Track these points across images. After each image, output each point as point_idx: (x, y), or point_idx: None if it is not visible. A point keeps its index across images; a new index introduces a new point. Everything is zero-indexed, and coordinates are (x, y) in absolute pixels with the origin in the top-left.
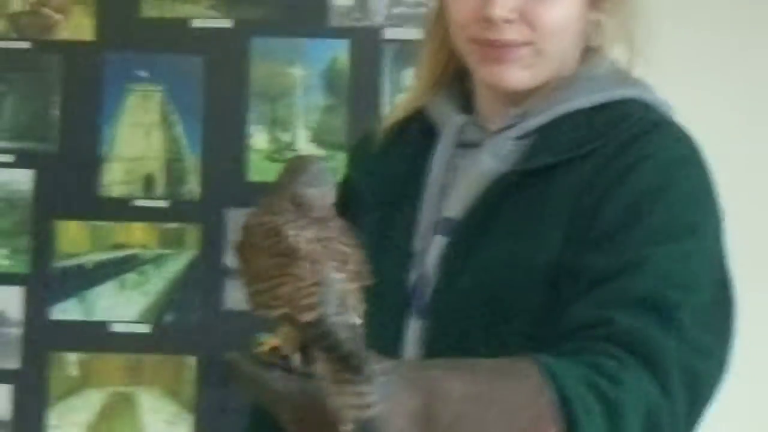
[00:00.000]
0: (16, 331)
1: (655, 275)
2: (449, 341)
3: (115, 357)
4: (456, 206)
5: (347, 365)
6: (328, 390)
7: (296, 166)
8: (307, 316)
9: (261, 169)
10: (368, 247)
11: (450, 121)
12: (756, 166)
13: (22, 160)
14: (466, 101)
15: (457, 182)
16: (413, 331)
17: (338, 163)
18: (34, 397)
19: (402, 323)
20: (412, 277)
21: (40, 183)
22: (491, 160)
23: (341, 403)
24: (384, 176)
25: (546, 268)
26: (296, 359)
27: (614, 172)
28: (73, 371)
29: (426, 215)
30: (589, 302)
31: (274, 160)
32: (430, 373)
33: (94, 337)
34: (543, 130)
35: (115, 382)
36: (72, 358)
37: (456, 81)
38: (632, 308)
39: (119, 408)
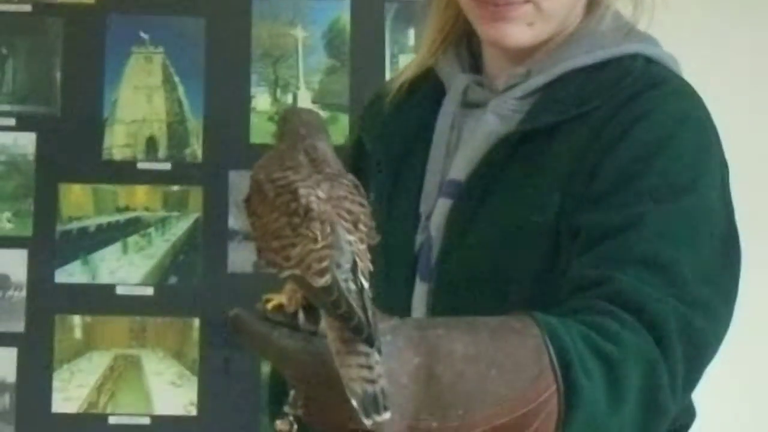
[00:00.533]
0: (20, 294)
1: (654, 233)
2: (454, 304)
3: (119, 319)
4: (460, 168)
5: (357, 334)
6: (337, 360)
7: (300, 119)
8: (319, 281)
9: (263, 131)
10: (377, 210)
11: (455, 80)
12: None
13: (25, 123)
14: (474, 61)
15: (462, 143)
16: (419, 294)
17: (341, 123)
18: (38, 360)
19: (409, 286)
20: (419, 240)
21: (42, 146)
22: (495, 121)
23: (349, 375)
24: (393, 136)
25: (544, 229)
26: (302, 318)
27: (613, 130)
28: (78, 334)
29: (430, 177)
30: (588, 261)
31: (276, 122)
32: (434, 333)
33: (98, 299)
34: (546, 89)
35: (120, 345)
36: (76, 320)
37: (464, 40)
38: (631, 266)
39: (124, 370)
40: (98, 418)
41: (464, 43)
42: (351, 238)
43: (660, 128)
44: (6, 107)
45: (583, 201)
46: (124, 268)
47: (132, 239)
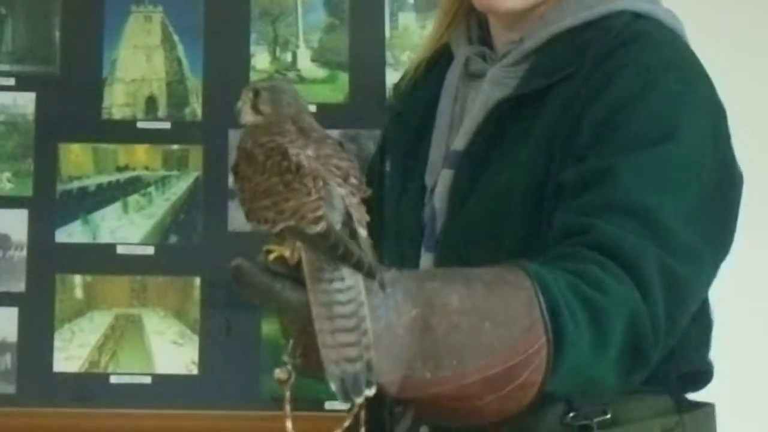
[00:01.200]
0: (20, 254)
1: (633, 180)
2: None
3: (120, 279)
4: (461, 138)
5: (358, 269)
6: (320, 339)
7: (278, 88)
8: (316, 228)
9: None
10: (392, 186)
11: (458, 52)
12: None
13: (24, 83)
14: (483, 34)
15: (465, 114)
16: (425, 265)
17: (340, 81)
18: (39, 320)
19: (417, 258)
20: (427, 212)
21: (42, 106)
22: (491, 89)
23: (329, 357)
24: (408, 113)
25: (530, 191)
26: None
27: (593, 86)
28: (78, 293)
29: (435, 150)
30: (570, 211)
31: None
32: (430, 285)
33: (98, 259)
34: (536, 54)
35: (121, 304)
36: (77, 280)
37: (473, 13)
38: (612, 214)
39: (125, 329)
40: (99, 377)
41: (474, 15)
42: (342, 191)
43: (639, 77)
44: (5, 67)
45: (567, 158)
46: (125, 227)
47: (132, 198)
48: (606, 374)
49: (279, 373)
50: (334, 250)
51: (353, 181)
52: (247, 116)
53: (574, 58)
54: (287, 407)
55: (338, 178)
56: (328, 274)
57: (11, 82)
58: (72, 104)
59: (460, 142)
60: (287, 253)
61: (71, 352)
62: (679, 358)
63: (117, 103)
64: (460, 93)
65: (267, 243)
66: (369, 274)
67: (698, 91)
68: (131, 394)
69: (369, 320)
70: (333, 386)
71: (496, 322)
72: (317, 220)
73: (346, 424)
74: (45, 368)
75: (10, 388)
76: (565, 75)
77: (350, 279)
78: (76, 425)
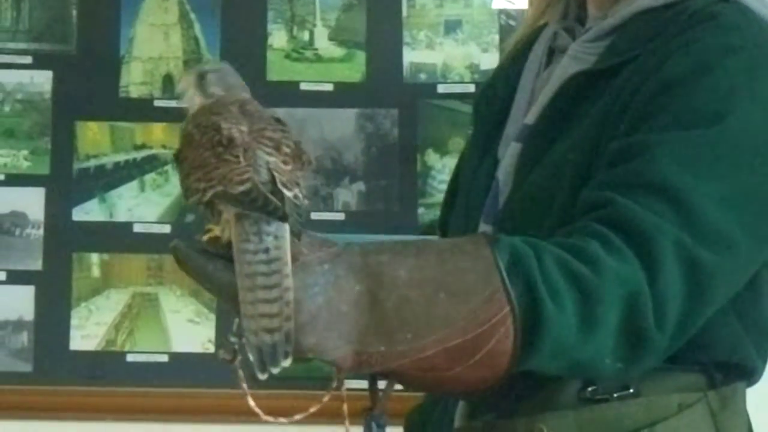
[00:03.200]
0: (37, 233)
1: (669, 158)
2: None
3: (137, 257)
4: (534, 112)
5: (272, 214)
6: (242, 309)
7: (226, 70)
8: (240, 188)
9: (280, 68)
10: (470, 160)
11: (547, 28)
12: None
13: (41, 61)
14: (582, 10)
15: (544, 89)
16: None
17: (357, 60)
18: (56, 298)
19: (476, 231)
20: (493, 185)
21: (59, 84)
22: (569, 63)
23: (250, 327)
24: (498, 87)
25: (578, 166)
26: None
27: (652, 64)
28: (95, 272)
29: (512, 123)
30: (596, 184)
31: (293, 59)
32: (377, 259)
33: (115, 237)
34: (617, 31)
35: (137, 282)
36: (94, 258)
37: None
38: (637, 190)
39: (141, 308)
40: (116, 355)
41: None
42: (271, 159)
43: (693, 59)
44: (22, 45)
45: (615, 133)
46: (142, 205)
47: (149, 177)
48: (598, 357)
49: (223, 354)
50: (253, 203)
51: (285, 149)
52: (195, 99)
53: (649, 37)
54: (244, 385)
55: (269, 148)
56: (253, 245)
57: (28, 60)
58: (89, 82)
59: (532, 116)
60: (218, 233)
61: (88, 330)
62: (716, 347)
63: (134, 81)
64: (543, 68)
65: (207, 223)
66: (282, 218)
67: (758, 83)
68: (148, 373)
69: (292, 291)
70: (251, 356)
71: (451, 293)
72: (242, 182)
73: (325, 399)
74: (62, 346)
75: (27, 366)
76: (636, 54)
77: (276, 251)
78: (93, 403)
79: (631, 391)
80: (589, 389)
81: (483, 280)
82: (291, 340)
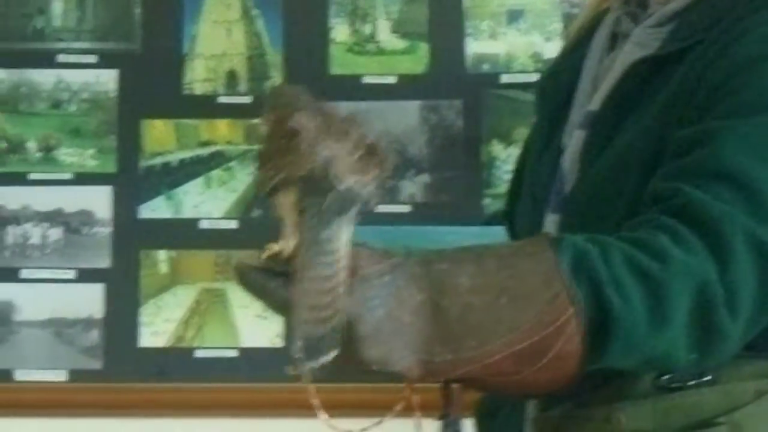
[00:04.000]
0: (105, 231)
1: (736, 147)
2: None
3: (204, 253)
4: (597, 99)
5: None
6: (295, 295)
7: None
8: (304, 170)
9: (343, 62)
10: (534, 148)
11: (610, 13)
12: None
13: (106, 60)
14: None
15: (607, 75)
16: (549, 226)
17: (420, 52)
18: (125, 296)
19: (542, 220)
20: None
21: (124, 82)
22: (632, 49)
23: (301, 317)
24: (561, 74)
25: (644, 155)
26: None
27: (716, 50)
28: (163, 268)
29: (575, 110)
30: (663, 175)
31: (355, 53)
32: (437, 267)
33: (182, 234)
34: (680, 16)
35: (205, 278)
36: (161, 255)
37: None
38: (704, 179)
39: (209, 304)
40: (185, 351)
41: None
42: (340, 146)
43: (757, 46)
44: (87, 45)
45: (681, 122)
46: (208, 202)
47: (215, 173)
48: (672, 350)
49: (291, 370)
50: (313, 186)
51: (353, 137)
52: None
53: (712, 22)
54: (315, 401)
55: (336, 137)
56: (318, 233)
57: (93, 59)
58: (154, 80)
59: (595, 103)
60: (276, 248)
61: (157, 327)
62: None
63: (198, 78)
64: (606, 54)
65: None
66: (341, 209)
67: None
68: (217, 369)
69: (345, 286)
70: (297, 347)
71: (514, 297)
72: (310, 163)
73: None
74: (131, 344)
75: (96, 364)
76: (700, 39)
77: (336, 242)
78: (162, 400)
79: (708, 378)
80: (665, 377)
81: (545, 282)
82: (337, 334)
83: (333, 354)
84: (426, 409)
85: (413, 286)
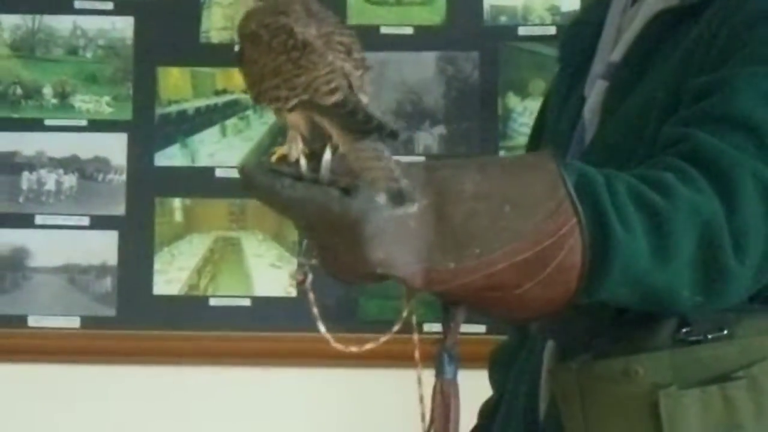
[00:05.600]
0: (120, 178)
1: (748, 93)
2: None
3: (219, 202)
4: (619, 49)
5: (380, 131)
6: (357, 165)
7: None
8: (331, 99)
9: (360, 12)
10: (556, 99)
11: None
12: None
13: (122, 7)
14: None
15: (630, 26)
16: None
17: (438, 3)
18: (139, 243)
19: None
20: (579, 123)
21: (140, 30)
22: (656, 2)
23: (372, 175)
24: (584, 26)
25: (663, 105)
26: (303, 164)
27: (736, 1)
28: (178, 216)
29: (597, 62)
30: (676, 120)
31: (373, 3)
32: (441, 174)
33: (197, 182)
34: None
35: (219, 227)
36: (176, 203)
37: None
38: (716, 125)
39: (224, 252)
40: (199, 299)
41: None
42: (346, 65)
43: None
44: None
45: (699, 72)
46: (223, 150)
47: (230, 122)
48: (674, 287)
49: (296, 275)
50: (353, 116)
51: (355, 55)
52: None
53: None
54: (314, 310)
55: (341, 53)
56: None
57: (109, 6)
58: (170, 28)
59: (617, 54)
60: (286, 151)
61: (171, 275)
62: None
63: (215, 26)
64: (630, 5)
65: (280, 119)
66: (391, 135)
67: None
68: (230, 317)
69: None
70: (381, 198)
71: (517, 205)
72: (333, 91)
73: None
74: (145, 291)
75: (110, 311)
76: None
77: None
78: (176, 347)
79: (726, 332)
80: (683, 330)
81: (549, 191)
82: (410, 192)
83: (414, 207)
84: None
85: (417, 191)
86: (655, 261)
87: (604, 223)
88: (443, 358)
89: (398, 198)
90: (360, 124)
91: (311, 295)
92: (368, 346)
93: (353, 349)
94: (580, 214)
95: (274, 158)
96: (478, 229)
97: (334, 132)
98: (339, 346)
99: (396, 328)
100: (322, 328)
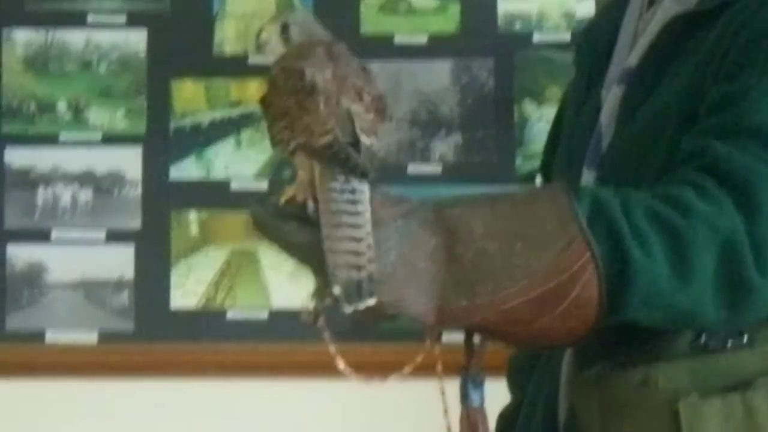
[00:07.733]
0: (135, 192)
1: (765, 103)
2: None
3: (235, 214)
4: (635, 54)
5: (352, 171)
6: (326, 245)
7: (310, 20)
8: (322, 140)
9: (374, 21)
10: (571, 105)
11: None
12: None
13: (135, 20)
14: None
15: (646, 30)
16: (586, 182)
17: (451, 11)
18: (155, 257)
19: (579, 177)
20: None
21: (153, 43)
22: (672, 5)
23: (335, 261)
24: (599, 31)
25: (681, 114)
26: (311, 206)
27: (752, 8)
28: (194, 230)
29: (614, 67)
30: (695, 133)
31: (386, 12)
32: (451, 212)
33: (213, 195)
34: None
35: (236, 240)
36: (192, 216)
37: None
38: (736, 137)
39: (240, 265)
40: (216, 313)
41: None
42: (354, 107)
43: None
44: (117, 5)
45: (716, 81)
46: (238, 162)
47: (245, 134)
48: (698, 306)
49: (305, 317)
50: (335, 157)
51: (367, 98)
52: (278, 50)
53: None
54: (332, 348)
55: (352, 95)
56: (339, 185)
57: (123, 19)
58: (183, 41)
59: (634, 58)
60: (293, 192)
61: (188, 288)
62: None
63: (228, 38)
64: (646, 9)
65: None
66: (362, 175)
67: None
68: (248, 330)
69: (372, 238)
70: (336, 290)
71: (528, 242)
72: (325, 133)
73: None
74: (162, 305)
75: (128, 325)
76: None
77: (360, 195)
78: (194, 361)
79: (745, 340)
80: (702, 338)
81: (560, 227)
82: (373, 282)
83: (371, 301)
84: (448, 371)
85: (426, 231)
86: (677, 282)
87: (621, 249)
88: (468, 384)
89: (355, 292)
90: (339, 163)
91: (327, 334)
92: (392, 378)
93: (376, 382)
94: (593, 249)
95: (282, 200)
96: (490, 268)
97: (316, 177)
98: (360, 381)
99: (419, 358)
100: (341, 364)
